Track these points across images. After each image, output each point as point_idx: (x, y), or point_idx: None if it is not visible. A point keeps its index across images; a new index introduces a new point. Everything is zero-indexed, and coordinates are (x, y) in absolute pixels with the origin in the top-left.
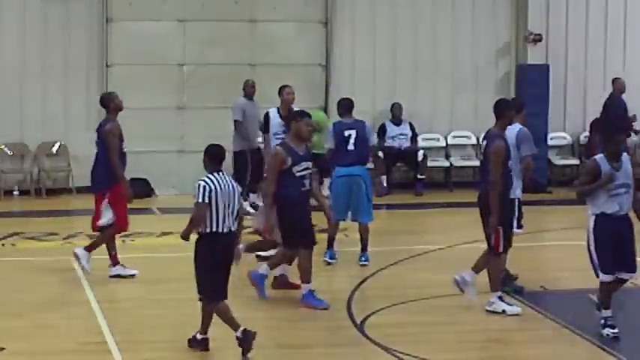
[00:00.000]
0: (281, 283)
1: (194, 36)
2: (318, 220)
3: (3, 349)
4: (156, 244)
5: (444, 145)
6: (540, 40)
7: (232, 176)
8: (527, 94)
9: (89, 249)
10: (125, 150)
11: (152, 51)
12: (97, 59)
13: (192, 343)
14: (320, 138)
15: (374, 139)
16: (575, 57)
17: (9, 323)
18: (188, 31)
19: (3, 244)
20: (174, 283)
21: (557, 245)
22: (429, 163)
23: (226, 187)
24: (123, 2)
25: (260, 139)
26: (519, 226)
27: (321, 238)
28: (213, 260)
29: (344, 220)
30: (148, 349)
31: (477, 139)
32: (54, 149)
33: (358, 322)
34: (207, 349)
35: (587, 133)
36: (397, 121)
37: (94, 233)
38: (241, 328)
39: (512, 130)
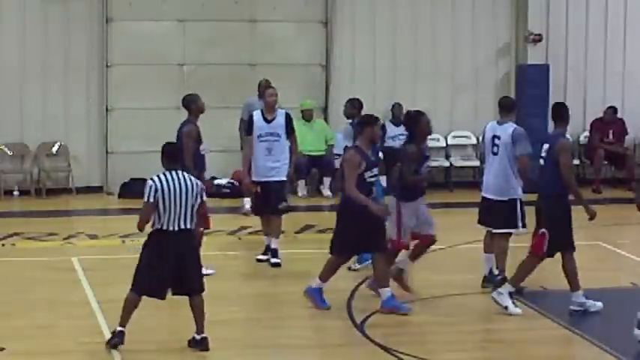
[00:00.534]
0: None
1: (194, 36)
2: (318, 220)
3: (3, 349)
4: None
5: (444, 145)
6: (540, 40)
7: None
8: (527, 94)
9: None
10: (203, 152)
11: (152, 51)
12: (97, 59)
13: (192, 343)
14: (320, 138)
15: None
16: (575, 57)
17: (9, 323)
18: (188, 31)
19: (3, 244)
20: None
21: None
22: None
23: (179, 185)
24: (123, 2)
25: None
26: (524, 226)
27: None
28: (156, 256)
29: None
30: (148, 349)
31: (477, 139)
32: (54, 149)
33: (358, 322)
34: (207, 349)
35: (587, 133)
36: (397, 121)
37: (95, 233)
38: (123, 329)
39: (507, 130)
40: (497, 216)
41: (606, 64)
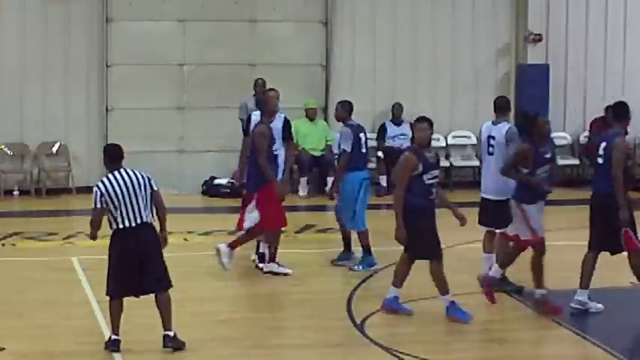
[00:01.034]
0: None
1: (194, 36)
2: (318, 219)
3: (3, 349)
4: None
5: (444, 145)
6: (540, 40)
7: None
8: (527, 94)
9: (232, 246)
10: (276, 152)
11: (152, 51)
12: (97, 59)
13: (166, 341)
14: (322, 137)
15: None
16: (575, 57)
17: (9, 323)
18: (188, 31)
19: (3, 244)
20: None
21: (558, 245)
22: None
23: (123, 182)
24: (123, 2)
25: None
26: None
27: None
28: (119, 256)
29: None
30: (148, 349)
31: (477, 139)
32: (54, 149)
33: (358, 322)
34: (118, 350)
35: (587, 133)
36: (397, 121)
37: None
38: (116, 336)
39: (501, 129)
40: (497, 216)
41: (606, 64)
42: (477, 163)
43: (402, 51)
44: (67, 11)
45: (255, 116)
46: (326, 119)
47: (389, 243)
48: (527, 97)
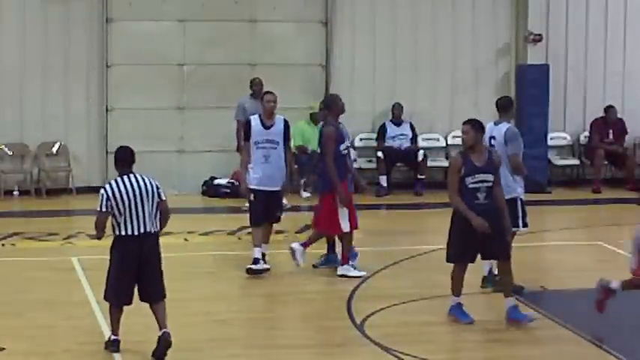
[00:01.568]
0: None
1: (194, 36)
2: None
3: (3, 349)
4: None
5: (444, 145)
6: (540, 40)
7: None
8: (527, 94)
9: (305, 245)
10: (345, 152)
11: (152, 51)
12: (97, 59)
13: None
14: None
15: None
16: (575, 57)
17: (9, 323)
18: (188, 31)
19: (3, 244)
20: (174, 283)
21: (557, 245)
22: (429, 163)
23: (132, 189)
24: (123, 2)
25: None
26: (525, 225)
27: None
28: (119, 263)
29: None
30: (148, 349)
31: None
32: (54, 149)
33: (358, 322)
34: (117, 351)
35: (587, 133)
36: (397, 121)
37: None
38: (116, 337)
39: (501, 129)
40: None
41: (606, 64)
42: None
43: (402, 51)
44: (67, 11)
45: (255, 120)
46: None
47: (389, 243)
48: (527, 97)
